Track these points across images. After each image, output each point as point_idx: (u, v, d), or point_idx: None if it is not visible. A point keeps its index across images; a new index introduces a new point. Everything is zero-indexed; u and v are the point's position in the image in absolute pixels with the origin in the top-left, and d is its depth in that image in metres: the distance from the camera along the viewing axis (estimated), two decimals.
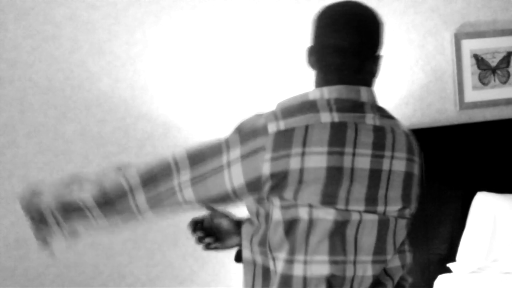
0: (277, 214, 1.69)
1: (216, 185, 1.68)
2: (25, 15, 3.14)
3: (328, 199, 1.68)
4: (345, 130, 1.69)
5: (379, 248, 1.75)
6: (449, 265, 3.54)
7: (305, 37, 3.46)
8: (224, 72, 3.37)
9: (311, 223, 1.68)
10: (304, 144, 1.66)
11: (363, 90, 1.79)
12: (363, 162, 1.69)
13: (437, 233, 3.60)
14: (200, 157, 1.68)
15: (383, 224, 1.74)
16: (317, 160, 1.66)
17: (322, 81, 1.78)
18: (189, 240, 3.36)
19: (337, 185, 1.67)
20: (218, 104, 3.36)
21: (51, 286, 3.22)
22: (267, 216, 1.72)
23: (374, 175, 1.71)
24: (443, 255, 3.61)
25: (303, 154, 1.66)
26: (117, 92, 3.26)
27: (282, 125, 1.66)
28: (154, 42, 3.29)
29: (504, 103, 3.74)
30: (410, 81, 3.63)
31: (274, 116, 1.68)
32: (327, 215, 1.68)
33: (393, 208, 1.75)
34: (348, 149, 1.67)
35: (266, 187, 1.67)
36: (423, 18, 3.63)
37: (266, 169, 1.65)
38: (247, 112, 3.35)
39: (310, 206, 1.67)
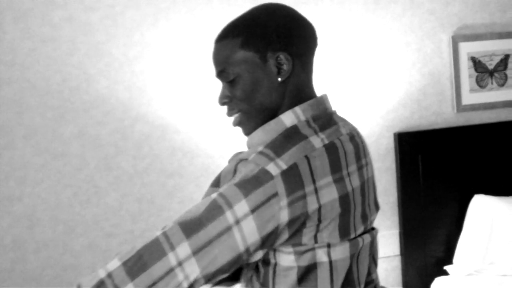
0: (287, 261, 1.47)
1: (226, 249, 1.41)
2: (23, 17, 3.14)
3: (344, 231, 1.51)
4: (337, 151, 1.51)
5: (370, 270, 1.64)
6: (446, 267, 3.55)
7: None
8: None
9: (331, 265, 1.50)
10: (313, 179, 1.46)
11: (325, 98, 1.61)
12: (355, 180, 1.54)
13: (434, 235, 3.61)
14: (196, 224, 1.40)
15: (373, 242, 1.62)
16: (329, 193, 1.48)
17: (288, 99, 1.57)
18: None
19: (349, 214, 1.51)
20: (215, 106, 3.36)
21: (48, 287, 3.22)
22: (267, 262, 1.50)
23: (363, 189, 1.57)
24: (440, 258, 3.62)
25: (316, 190, 1.46)
26: (115, 94, 3.26)
27: (282, 163, 1.44)
28: (152, 44, 3.29)
29: (502, 105, 3.74)
30: (408, 83, 3.63)
31: (266, 156, 1.44)
32: (344, 252, 1.51)
33: (373, 218, 1.63)
34: (345, 171, 1.51)
35: (283, 236, 1.44)
36: (421, 20, 3.64)
37: (284, 216, 1.42)
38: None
39: (329, 246, 1.49)
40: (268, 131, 1.53)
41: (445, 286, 3.41)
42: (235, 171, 1.47)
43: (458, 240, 3.58)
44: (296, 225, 1.44)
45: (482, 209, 3.51)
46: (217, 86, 3.36)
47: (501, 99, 3.75)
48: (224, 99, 1.59)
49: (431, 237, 3.60)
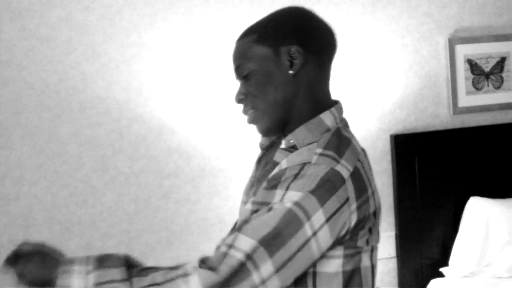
0: (331, 267, 1.48)
1: (305, 261, 1.42)
2: (20, 17, 3.14)
3: (378, 236, 1.57)
4: (367, 158, 1.58)
5: None
6: (441, 269, 3.55)
7: None
8: (219, 75, 3.37)
9: (373, 270, 1.54)
10: (370, 182, 1.51)
11: (339, 103, 1.65)
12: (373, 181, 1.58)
13: (430, 237, 3.61)
14: (278, 241, 1.39)
15: None
16: (378, 195, 1.55)
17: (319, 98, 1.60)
18: (182, 243, 3.36)
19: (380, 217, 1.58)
20: (212, 107, 3.36)
21: None
22: (304, 273, 1.49)
23: None
24: (436, 260, 3.62)
25: (373, 193, 1.51)
26: (112, 94, 3.26)
27: (348, 165, 1.46)
28: (149, 45, 3.29)
29: (497, 108, 3.75)
30: (404, 85, 3.64)
31: (331, 158, 1.46)
32: (377, 257, 1.56)
33: None
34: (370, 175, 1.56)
35: (346, 238, 1.47)
36: (418, 23, 3.65)
37: (353, 220, 1.45)
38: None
39: (372, 250, 1.53)
40: (312, 130, 1.54)
41: None
42: (297, 174, 1.45)
43: (454, 242, 3.58)
44: (358, 228, 1.47)
45: (478, 211, 3.51)
46: (216, 86, 3.36)
47: (497, 101, 3.75)
48: (240, 96, 1.60)
49: (427, 239, 3.61)
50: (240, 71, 1.59)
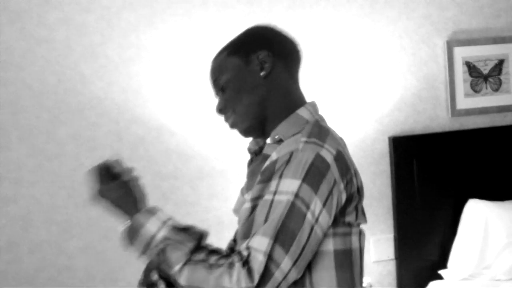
0: (323, 245, 1.61)
1: (314, 246, 1.57)
2: (18, 18, 3.14)
3: (363, 217, 1.72)
4: (344, 143, 1.75)
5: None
6: (440, 271, 3.55)
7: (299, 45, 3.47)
8: None
9: (361, 252, 1.69)
10: (351, 163, 1.65)
11: (313, 101, 1.81)
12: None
13: (428, 239, 3.61)
14: (289, 236, 1.53)
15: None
16: (359, 176, 1.70)
17: (295, 97, 1.77)
18: None
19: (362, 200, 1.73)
20: (211, 108, 3.36)
21: None
22: None
23: None
24: (435, 262, 3.62)
25: (355, 173, 1.66)
26: (110, 95, 3.26)
27: (331, 149, 1.60)
28: (148, 46, 3.30)
29: (496, 110, 3.75)
30: (403, 87, 3.64)
31: (314, 144, 1.60)
32: (363, 240, 1.70)
33: None
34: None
35: (338, 216, 1.62)
36: (416, 25, 3.65)
37: (343, 198, 1.60)
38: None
39: (360, 232, 1.68)
40: (292, 124, 1.68)
41: None
42: (288, 161, 1.58)
43: (453, 245, 3.58)
44: (346, 205, 1.62)
45: (477, 214, 3.51)
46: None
47: (495, 104, 3.75)
48: (220, 106, 1.76)
49: (426, 241, 3.60)
50: (217, 84, 1.76)
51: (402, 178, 3.58)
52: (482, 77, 3.72)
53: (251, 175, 1.75)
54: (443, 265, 3.61)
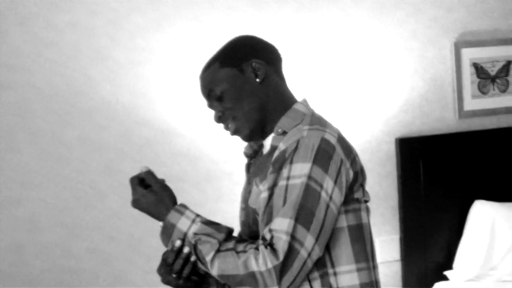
0: (337, 223, 1.72)
1: (331, 222, 1.68)
2: (27, 20, 3.13)
3: (367, 193, 1.83)
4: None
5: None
6: (446, 272, 3.56)
7: (307, 46, 3.46)
8: None
9: (369, 227, 1.78)
10: (352, 147, 1.77)
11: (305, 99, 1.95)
12: None
13: (434, 240, 3.62)
14: (309, 215, 1.63)
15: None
16: (359, 158, 1.82)
17: (286, 94, 1.89)
18: None
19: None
20: None
21: None
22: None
23: None
24: (440, 263, 3.63)
25: (356, 155, 1.77)
26: (118, 98, 3.26)
27: (333, 132, 1.73)
28: (156, 49, 3.29)
29: (503, 111, 3.75)
30: (410, 89, 3.64)
31: (317, 129, 1.72)
32: (369, 218, 1.81)
33: None
34: None
35: (347, 193, 1.73)
36: (424, 26, 3.64)
37: (351, 175, 1.72)
38: None
39: (367, 209, 1.78)
40: (292, 117, 1.79)
41: None
42: (296, 148, 1.69)
43: (459, 246, 3.59)
44: (353, 183, 1.72)
45: (483, 215, 3.52)
46: None
47: (502, 105, 3.75)
48: (219, 114, 1.85)
49: (432, 243, 3.61)
50: (213, 95, 1.84)
51: (408, 180, 3.58)
52: (489, 78, 3.72)
53: (261, 167, 1.82)
54: (449, 266, 3.63)
